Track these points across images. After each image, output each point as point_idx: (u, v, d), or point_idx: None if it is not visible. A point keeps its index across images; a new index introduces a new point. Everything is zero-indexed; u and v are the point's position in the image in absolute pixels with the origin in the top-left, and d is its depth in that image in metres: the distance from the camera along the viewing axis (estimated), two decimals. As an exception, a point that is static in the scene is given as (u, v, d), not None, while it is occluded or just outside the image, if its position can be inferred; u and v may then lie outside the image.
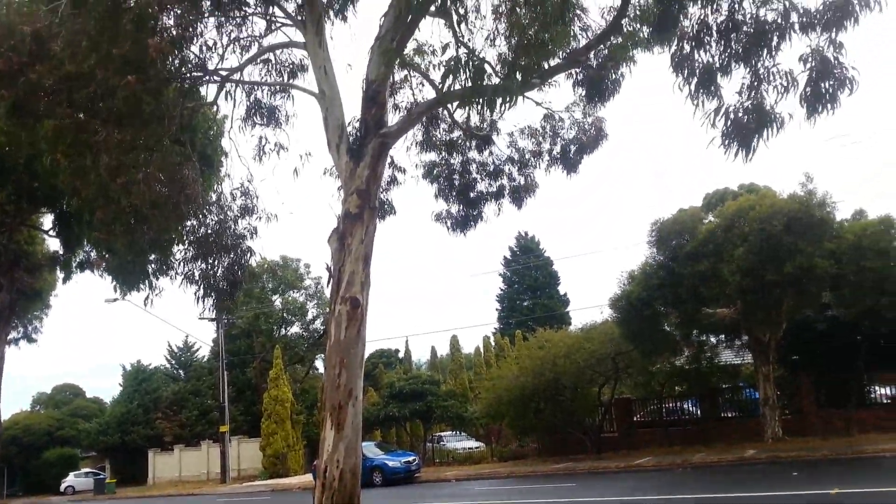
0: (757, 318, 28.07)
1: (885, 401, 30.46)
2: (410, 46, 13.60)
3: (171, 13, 10.82)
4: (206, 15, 12.34)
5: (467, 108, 11.98)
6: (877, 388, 31.02)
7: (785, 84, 10.25)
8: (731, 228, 26.24)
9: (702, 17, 10.84)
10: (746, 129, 10.43)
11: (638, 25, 12.02)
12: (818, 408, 30.50)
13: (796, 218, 24.60)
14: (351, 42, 14.36)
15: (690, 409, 36.43)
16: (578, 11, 13.21)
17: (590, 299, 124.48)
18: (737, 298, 27.47)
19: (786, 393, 31.85)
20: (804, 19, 10.04)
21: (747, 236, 25.26)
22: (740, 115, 10.53)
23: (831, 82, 9.97)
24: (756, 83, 10.66)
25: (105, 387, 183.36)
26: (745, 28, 10.67)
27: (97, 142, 11.70)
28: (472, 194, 16.44)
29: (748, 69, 10.74)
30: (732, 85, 11.23)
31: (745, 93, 10.74)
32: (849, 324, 27.99)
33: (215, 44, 12.25)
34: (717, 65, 10.95)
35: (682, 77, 10.90)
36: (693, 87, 10.88)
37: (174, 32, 10.82)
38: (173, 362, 71.22)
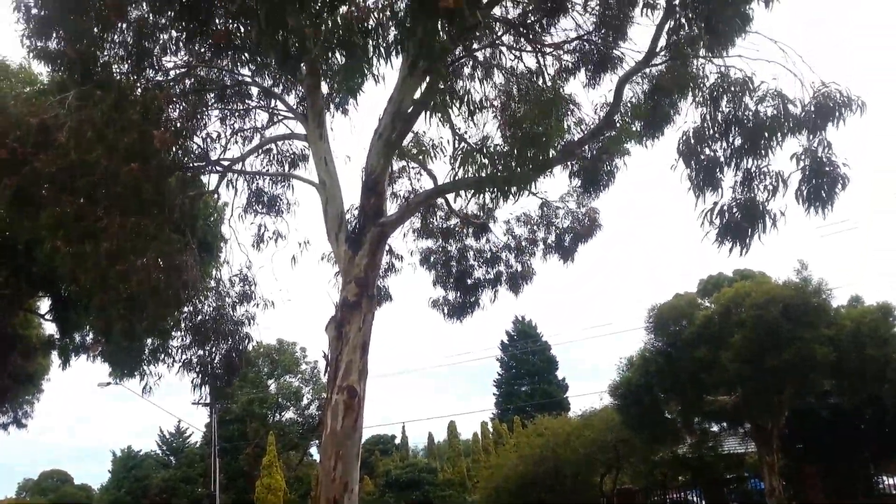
0: (758, 406, 27.66)
1: (893, 491, 29.68)
2: (408, 137, 13.98)
3: (177, 106, 11.15)
4: (210, 106, 12.73)
5: (471, 196, 12.15)
6: (884, 477, 30.29)
7: (774, 184, 10.47)
8: (727, 315, 26.22)
9: (703, 114, 11.07)
10: (741, 225, 10.57)
11: (630, 120, 12.42)
12: (825, 498, 29.66)
13: (793, 305, 24.63)
14: (351, 133, 14.76)
15: (695, 499, 35.39)
16: (571, 106, 13.66)
17: (588, 385, 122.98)
18: (737, 385, 27.18)
19: (792, 483, 31.05)
20: (790, 123, 10.31)
21: (744, 323, 25.22)
22: (735, 212, 10.69)
23: (825, 180, 10.18)
24: (749, 180, 10.86)
25: (94, 472, 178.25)
26: (744, 124, 10.87)
27: (98, 229, 11.84)
28: (468, 281, 16.55)
29: (740, 167, 10.94)
30: (726, 179, 11.42)
31: (739, 189, 10.93)
32: (852, 412, 27.56)
33: (219, 136, 12.59)
34: (722, 158, 11.11)
35: (691, 169, 11.05)
36: (698, 178, 11.00)
37: (178, 124, 11.12)
38: (164, 448, 69.52)
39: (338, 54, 8.54)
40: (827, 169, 10.44)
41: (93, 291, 12.91)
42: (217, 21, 10.14)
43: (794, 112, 10.61)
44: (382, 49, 8.47)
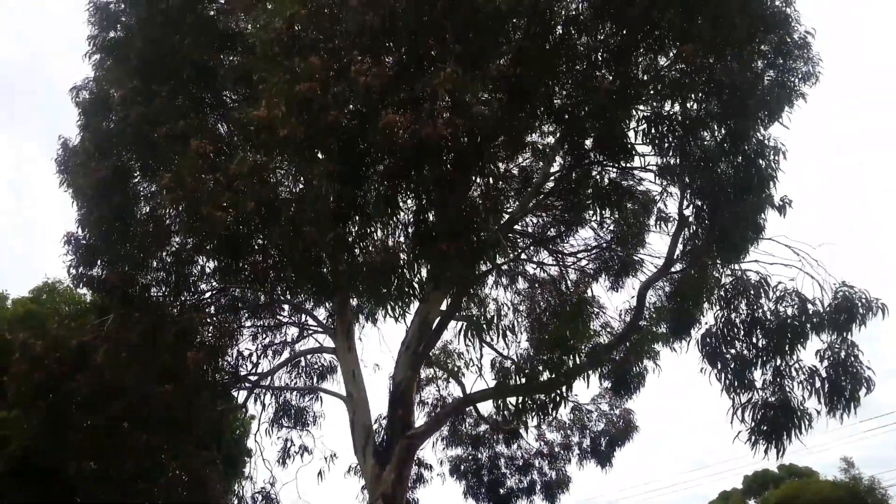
0: None
1: None
2: (437, 344, 14.10)
3: (210, 326, 11.49)
4: (242, 323, 13.09)
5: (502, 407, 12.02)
6: None
7: (810, 380, 10.23)
8: (780, 518, 24.69)
9: (721, 317, 11.07)
10: (776, 425, 10.19)
11: (655, 323, 12.54)
12: None
13: (848, 506, 23.20)
14: (380, 343, 14.97)
15: None
16: (596, 309, 13.85)
17: None
18: None
19: None
20: (815, 320, 10.28)
21: (798, 527, 23.65)
22: (767, 410, 10.34)
23: (848, 380, 9.93)
24: (779, 378, 10.62)
25: None
26: (767, 324, 10.83)
27: (125, 447, 11.77)
28: (501, 491, 15.92)
29: (770, 365, 10.74)
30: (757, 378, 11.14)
31: (770, 388, 10.64)
32: None
33: (251, 354, 12.84)
34: (749, 358, 10.93)
35: (716, 370, 10.88)
36: (727, 379, 10.77)
37: (211, 342, 11.39)
38: None
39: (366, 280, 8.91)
40: (851, 370, 10.21)
41: (113, 512, 12.55)
42: (253, 246, 10.74)
43: (815, 311, 10.58)
44: (409, 277, 8.85)
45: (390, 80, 8.60)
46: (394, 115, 8.06)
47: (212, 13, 12.62)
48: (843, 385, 9.94)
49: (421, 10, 8.75)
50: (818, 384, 10.15)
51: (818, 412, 10.44)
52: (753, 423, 10.55)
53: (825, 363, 10.17)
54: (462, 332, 10.12)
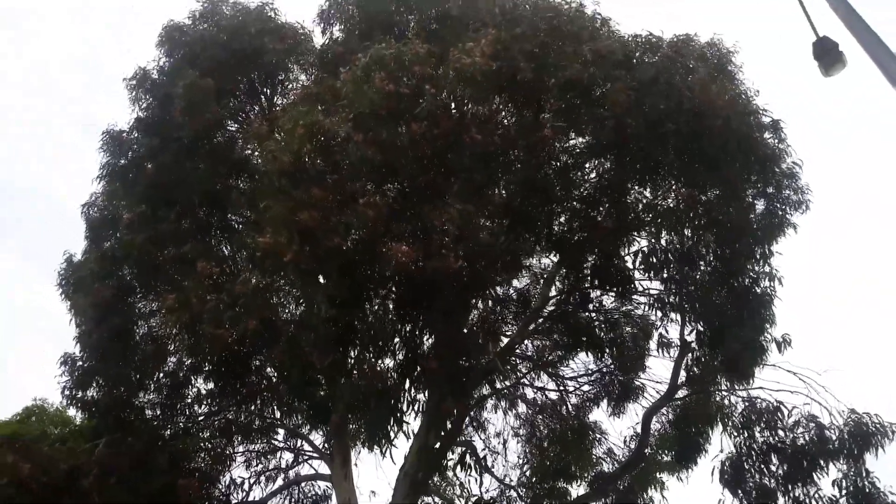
0: None
1: None
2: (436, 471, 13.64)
3: (203, 451, 11.22)
4: (237, 445, 12.74)
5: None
6: None
7: None
8: None
9: (742, 443, 10.84)
10: None
11: (660, 451, 12.26)
12: None
13: None
14: (377, 469, 14.47)
15: None
16: (598, 435, 13.54)
17: None
18: None
19: None
20: (829, 447, 10.07)
21: None
22: None
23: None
24: None
25: None
26: (785, 451, 10.60)
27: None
28: None
29: (791, 495, 10.41)
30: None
31: None
32: None
33: (243, 481, 12.42)
34: (770, 486, 10.63)
35: (737, 499, 10.56)
36: None
37: (204, 470, 11.07)
38: None
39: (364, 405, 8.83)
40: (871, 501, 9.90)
41: None
42: (251, 367, 10.66)
43: (828, 438, 10.37)
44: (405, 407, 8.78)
45: (393, 211, 8.83)
46: (402, 245, 8.23)
47: (223, 142, 13.12)
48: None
49: (422, 147, 9.09)
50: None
51: None
52: None
53: (844, 493, 9.86)
54: (461, 461, 9.90)
